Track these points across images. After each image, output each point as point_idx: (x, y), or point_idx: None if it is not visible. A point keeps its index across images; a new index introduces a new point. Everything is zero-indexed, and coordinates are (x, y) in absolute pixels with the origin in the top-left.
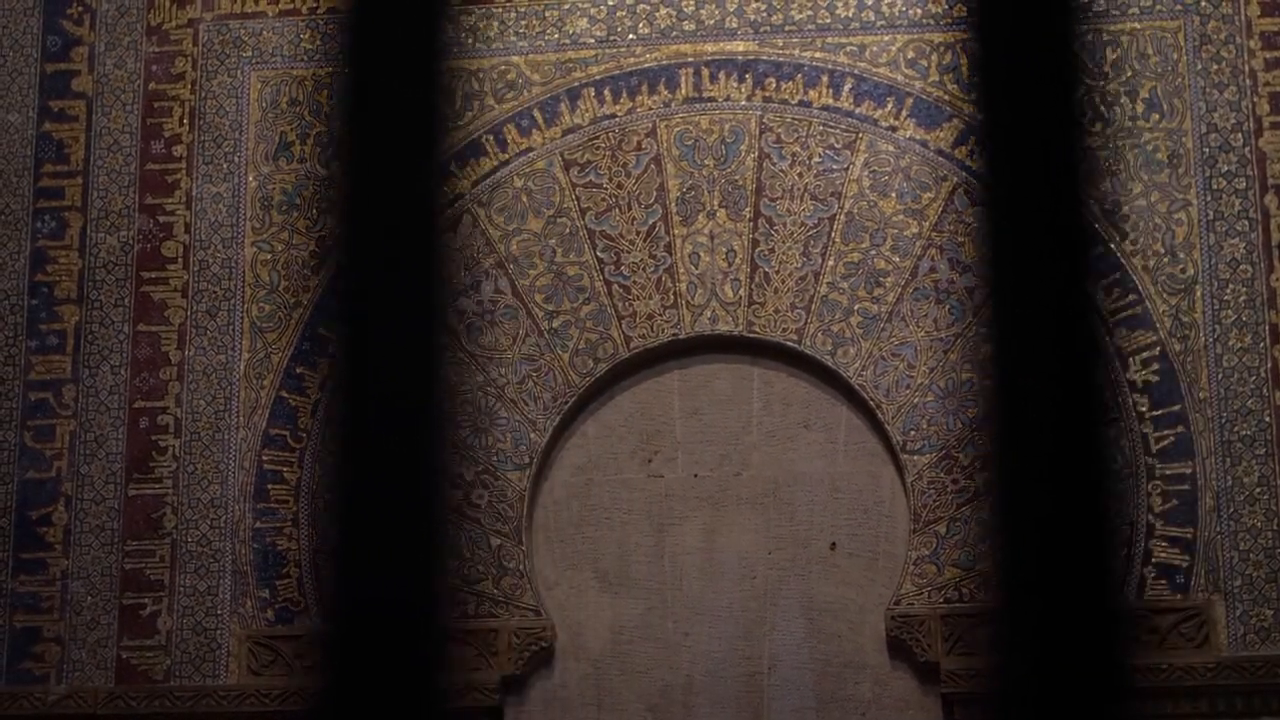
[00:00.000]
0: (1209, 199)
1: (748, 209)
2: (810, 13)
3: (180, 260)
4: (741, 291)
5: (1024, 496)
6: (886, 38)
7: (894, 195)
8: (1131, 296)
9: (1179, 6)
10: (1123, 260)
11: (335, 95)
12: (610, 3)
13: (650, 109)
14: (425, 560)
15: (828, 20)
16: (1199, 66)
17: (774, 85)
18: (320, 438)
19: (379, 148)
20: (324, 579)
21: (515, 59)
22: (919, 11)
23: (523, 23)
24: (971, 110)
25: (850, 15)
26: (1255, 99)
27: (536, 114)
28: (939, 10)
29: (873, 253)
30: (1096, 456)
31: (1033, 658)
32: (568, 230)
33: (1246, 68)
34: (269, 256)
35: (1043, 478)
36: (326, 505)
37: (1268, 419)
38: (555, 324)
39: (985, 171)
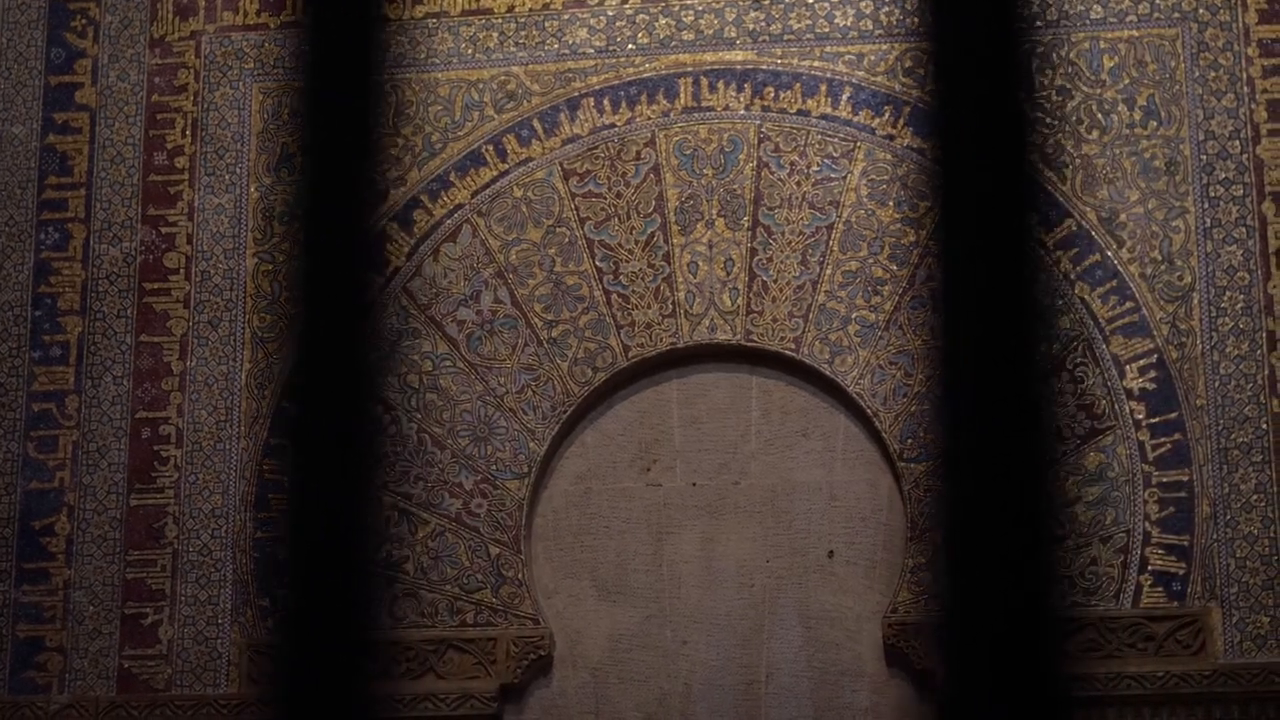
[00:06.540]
0: (1206, 206)
1: (746, 218)
2: (809, 22)
3: (182, 271)
4: (740, 300)
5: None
6: (884, 46)
7: (892, 204)
8: (1129, 304)
9: (1177, 14)
10: (1120, 268)
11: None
12: (609, 13)
13: (649, 119)
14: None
15: (826, 29)
16: (1197, 74)
17: (772, 94)
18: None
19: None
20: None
21: (515, 69)
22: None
23: (522, 33)
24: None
25: (849, 24)
26: (1253, 106)
27: (536, 124)
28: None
29: (870, 261)
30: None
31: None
32: (567, 240)
33: (1244, 75)
34: (271, 267)
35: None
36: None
37: (1264, 426)
38: (554, 333)
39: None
